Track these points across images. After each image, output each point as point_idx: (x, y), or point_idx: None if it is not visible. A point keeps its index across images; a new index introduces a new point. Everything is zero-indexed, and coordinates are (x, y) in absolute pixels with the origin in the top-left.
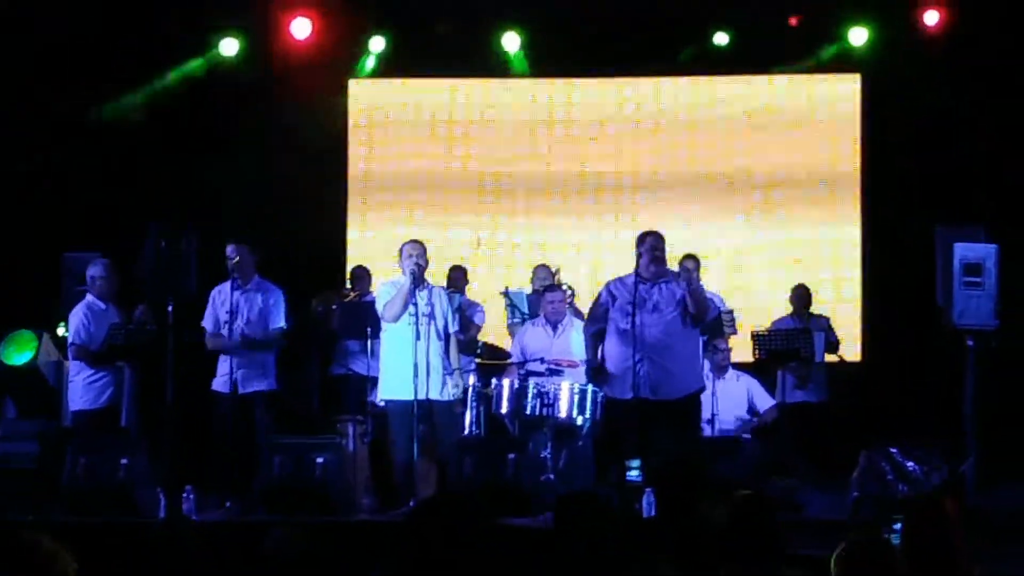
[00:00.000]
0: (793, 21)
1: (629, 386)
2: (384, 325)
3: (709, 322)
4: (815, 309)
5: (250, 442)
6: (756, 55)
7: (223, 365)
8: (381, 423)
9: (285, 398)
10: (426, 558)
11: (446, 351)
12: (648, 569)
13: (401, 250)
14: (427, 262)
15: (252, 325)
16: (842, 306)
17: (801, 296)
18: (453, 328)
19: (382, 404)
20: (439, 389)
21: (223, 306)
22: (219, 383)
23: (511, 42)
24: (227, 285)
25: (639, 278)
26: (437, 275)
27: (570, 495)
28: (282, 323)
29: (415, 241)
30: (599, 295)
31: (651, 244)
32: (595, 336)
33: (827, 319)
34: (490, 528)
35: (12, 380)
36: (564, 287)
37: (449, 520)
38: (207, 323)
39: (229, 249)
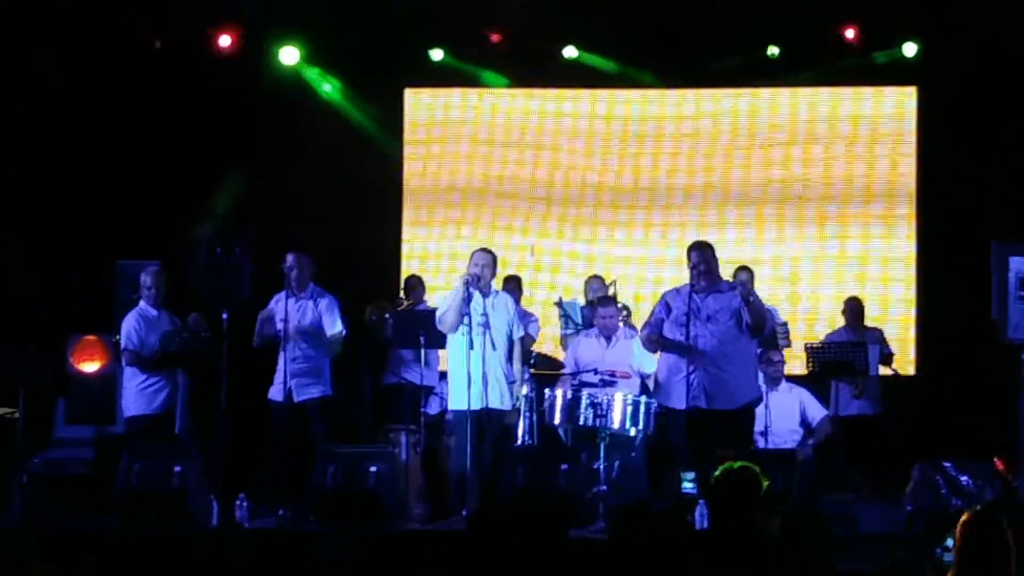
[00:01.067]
0: (849, 34)
1: (684, 396)
2: (449, 336)
3: (766, 334)
4: (869, 322)
5: (304, 450)
6: (812, 67)
7: (279, 374)
8: (434, 433)
9: (339, 406)
10: (483, 568)
11: (508, 359)
12: None
13: (471, 257)
14: (492, 272)
15: (304, 333)
16: (896, 319)
17: (854, 309)
18: (518, 334)
19: (437, 411)
20: (498, 399)
21: (278, 314)
22: (274, 392)
23: (569, 52)
24: (282, 295)
25: (693, 289)
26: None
27: (626, 507)
28: (341, 328)
29: (484, 250)
30: (656, 305)
31: (694, 260)
32: (650, 338)
33: (881, 331)
34: (548, 538)
35: (71, 384)
36: (619, 305)
37: (506, 530)
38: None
39: (289, 258)
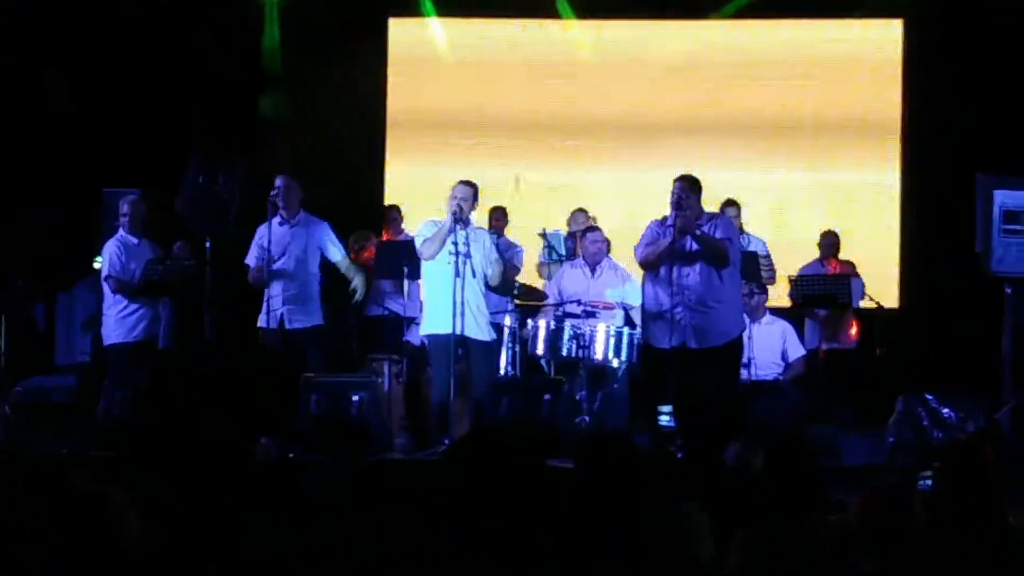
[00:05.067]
0: None
1: (668, 335)
2: (423, 263)
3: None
4: (853, 256)
5: (291, 379)
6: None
7: (267, 302)
8: (417, 363)
9: (324, 336)
10: (462, 497)
11: (484, 291)
12: (678, 514)
13: (453, 189)
14: (472, 205)
15: (298, 262)
16: (880, 252)
17: (829, 243)
18: (491, 270)
19: (419, 342)
20: (477, 327)
21: (267, 242)
22: (263, 319)
23: None
24: (273, 221)
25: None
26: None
27: (595, 435)
28: (343, 251)
29: (464, 183)
30: (647, 229)
31: (673, 190)
32: (650, 254)
33: (853, 265)
34: (528, 468)
35: None
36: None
37: (486, 459)
38: (250, 259)
39: (278, 180)
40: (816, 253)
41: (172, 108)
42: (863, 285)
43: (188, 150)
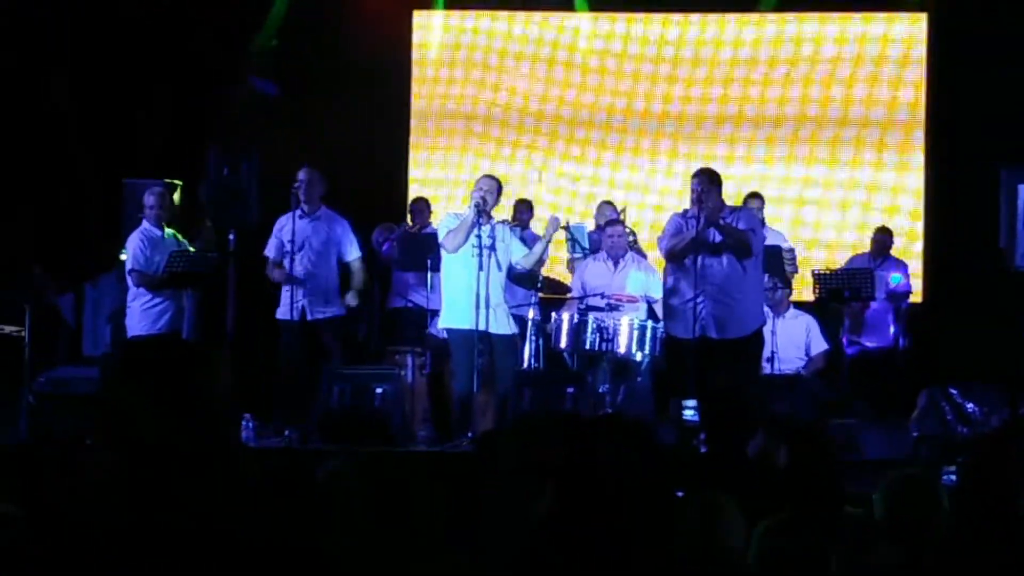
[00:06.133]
0: None
1: (689, 325)
2: (444, 255)
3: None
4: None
5: (314, 370)
6: None
7: (286, 294)
8: (440, 355)
9: (347, 328)
10: (489, 490)
11: (507, 286)
12: (711, 506)
13: (477, 182)
14: (496, 199)
15: (318, 255)
16: (904, 246)
17: (880, 240)
18: (514, 259)
19: (442, 335)
20: (500, 322)
21: (287, 235)
22: (283, 311)
23: None
24: (293, 214)
25: (696, 218)
26: (502, 208)
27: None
28: (358, 252)
29: (489, 176)
30: (668, 223)
31: (692, 185)
32: (674, 246)
33: (905, 264)
34: (558, 459)
35: None
36: (628, 229)
37: (512, 452)
38: (269, 251)
39: (301, 173)
40: (840, 245)
41: (190, 98)
42: (909, 288)
43: (207, 140)
